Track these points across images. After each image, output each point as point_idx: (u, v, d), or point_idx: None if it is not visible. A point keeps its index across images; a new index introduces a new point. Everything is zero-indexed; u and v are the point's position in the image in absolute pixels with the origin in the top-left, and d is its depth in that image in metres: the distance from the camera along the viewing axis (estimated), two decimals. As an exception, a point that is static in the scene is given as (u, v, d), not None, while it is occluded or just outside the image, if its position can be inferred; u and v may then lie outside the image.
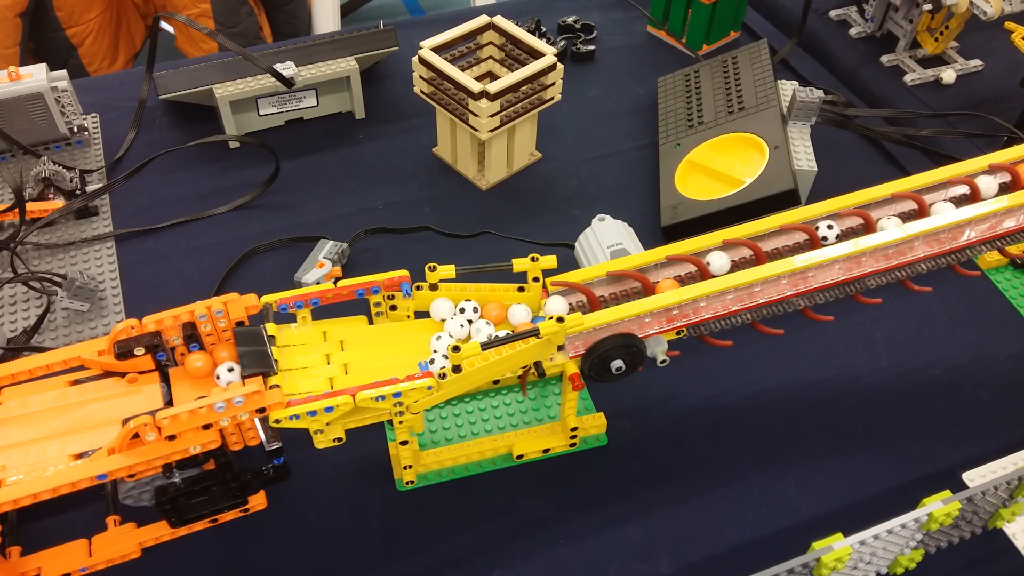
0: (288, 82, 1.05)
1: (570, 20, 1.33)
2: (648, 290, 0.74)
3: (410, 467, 0.76)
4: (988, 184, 0.82)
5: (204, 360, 0.67)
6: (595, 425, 0.82)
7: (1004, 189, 0.83)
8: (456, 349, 0.66)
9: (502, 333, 0.72)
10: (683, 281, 0.75)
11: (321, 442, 0.67)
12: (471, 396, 0.85)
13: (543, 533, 0.75)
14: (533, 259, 0.74)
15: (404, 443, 0.72)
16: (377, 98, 1.17)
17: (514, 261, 0.73)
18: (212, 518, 0.70)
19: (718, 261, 0.74)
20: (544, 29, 1.30)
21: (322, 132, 1.14)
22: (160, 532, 0.69)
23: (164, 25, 2.43)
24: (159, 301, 0.71)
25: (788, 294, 0.75)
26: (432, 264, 0.73)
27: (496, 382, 0.85)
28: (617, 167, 1.12)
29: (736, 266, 0.76)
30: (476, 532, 0.75)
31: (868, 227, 0.78)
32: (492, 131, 0.99)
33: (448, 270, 0.73)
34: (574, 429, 0.79)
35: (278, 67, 1.07)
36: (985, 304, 0.97)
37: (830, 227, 0.77)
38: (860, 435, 0.84)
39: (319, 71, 1.09)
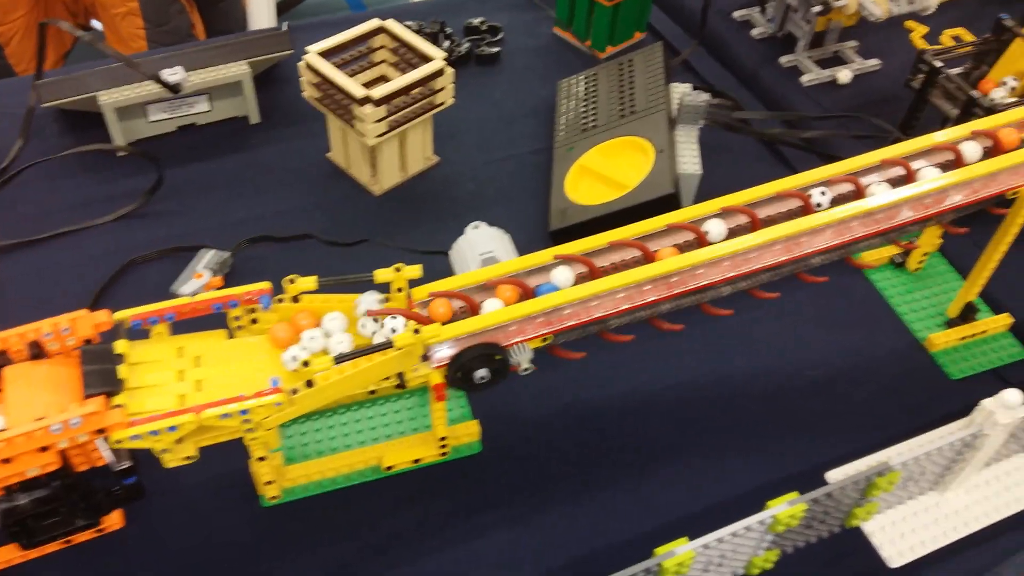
0: (174, 88, 1.04)
1: (476, 22, 1.33)
2: (527, 294, 0.74)
3: (272, 482, 0.76)
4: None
5: (48, 380, 0.66)
6: (468, 433, 0.82)
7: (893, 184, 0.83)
8: (306, 364, 0.66)
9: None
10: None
11: (170, 461, 0.66)
12: (346, 407, 0.85)
13: (408, 545, 0.75)
14: (397, 269, 0.73)
15: (262, 459, 0.72)
16: (274, 102, 1.16)
17: (376, 272, 0.73)
18: (66, 539, 0.69)
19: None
20: (450, 31, 1.30)
21: (216, 137, 1.13)
22: (11, 555, 0.68)
23: (95, 24, 2.38)
24: (42, 315, 0.69)
25: (652, 299, 0.76)
26: (292, 276, 0.72)
27: (401, 386, 0.85)
28: (515, 170, 1.12)
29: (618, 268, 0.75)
30: (339, 547, 0.75)
31: (754, 224, 0.78)
32: (380, 136, 0.99)
33: (309, 282, 0.73)
34: (443, 438, 0.79)
35: (166, 72, 1.05)
36: (864, 304, 0.98)
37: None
38: (734, 436, 0.85)
39: (210, 76, 1.08)
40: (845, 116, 1.17)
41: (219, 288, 0.93)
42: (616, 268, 0.75)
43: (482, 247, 0.83)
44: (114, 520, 0.70)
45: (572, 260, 0.75)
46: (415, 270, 0.74)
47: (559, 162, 1.08)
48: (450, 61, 1.23)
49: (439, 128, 1.13)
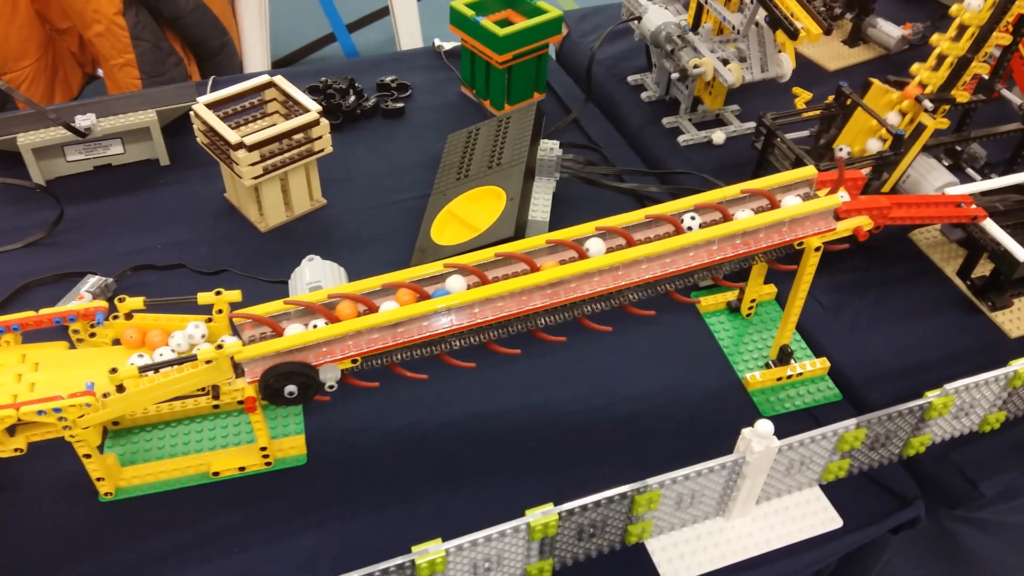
0: (81, 133, 1.16)
1: (388, 79, 1.45)
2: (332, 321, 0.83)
3: (103, 479, 0.84)
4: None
5: None
6: (294, 446, 0.90)
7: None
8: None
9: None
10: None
11: (1, 453, 0.76)
12: (189, 420, 0.93)
13: (221, 543, 0.83)
14: (218, 293, 0.83)
15: (88, 456, 0.80)
16: (185, 146, 1.27)
17: (199, 295, 0.83)
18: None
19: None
20: (360, 86, 1.41)
21: (127, 177, 1.24)
22: None
23: (100, 72, 2.55)
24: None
25: (464, 325, 0.84)
26: (122, 296, 0.82)
27: (216, 406, 0.94)
28: (396, 215, 1.22)
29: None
30: (158, 541, 0.83)
31: (581, 255, 0.85)
32: (256, 178, 1.09)
33: (136, 302, 0.82)
34: (264, 449, 0.87)
35: (79, 118, 1.17)
36: (696, 344, 1.06)
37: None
38: (538, 461, 0.92)
39: (120, 122, 1.20)
40: (681, 173, 1.26)
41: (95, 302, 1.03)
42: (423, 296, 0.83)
43: (310, 277, 0.92)
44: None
45: (400, 287, 0.83)
46: (234, 294, 0.83)
47: (432, 207, 1.18)
48: (355, 114, 1.35)
49: (333, 173, 1.24)
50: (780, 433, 0.80)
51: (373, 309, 0.81)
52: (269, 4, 2.60)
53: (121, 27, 2.27)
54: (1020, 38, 1.14)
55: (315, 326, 0.80)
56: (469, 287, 0.83)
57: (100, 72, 2.51)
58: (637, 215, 0.87)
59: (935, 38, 1.10)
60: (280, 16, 3.01)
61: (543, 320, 0.86)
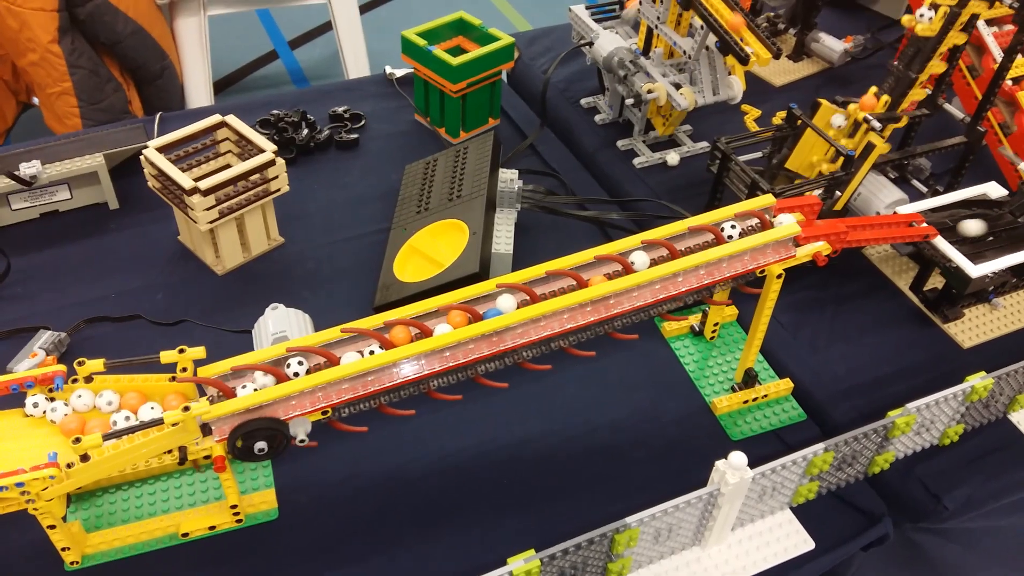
0: (26, 182, 1.12)
1: (340, 110, 1.43)
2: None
3: (69, 549, 0.81)
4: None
5: None
6: (264, 501, 0.89)
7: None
8: (77, 440, 0.73)
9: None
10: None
11: (-49, 530, 0.72)
12: (154, 478, 0.91)
13: (194, 606, 0.81)
14: (181, 351, 0.81)
15: (52, 527, 0.78)
16: (134, 188, 1.24)
17: (162, 354, 0.80)
18: None
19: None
20: (312, 119, 1.40)
21: (76, 223, 1.20)
22: None
23: (36, 101, 2.47)
24: None
25: (425, 372, 0.83)
26: (80, 359, 0.80)
27: (183, 461, 0.92)
28: (355, 250, 1.20)
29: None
30: (129, 608, 0.81)
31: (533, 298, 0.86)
32: (211, 223, 1.07)
33: (96, 364, 0.80)
34: (235, 506, 0.85)
35: (24, 166, 1.13)
36: (661, 369, 1.07)
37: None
38: (519, 498, 0.92)
39: (66, 168, 1.16)
40: (640, 200, 1.28)
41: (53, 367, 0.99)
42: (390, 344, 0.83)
43: (274, 327, 0.91)
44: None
45: (365, 335, 0.82)
46: (199, 351, 0.81)
47: (393, 242, 1.17)
48: (309, 147, 1.33)
49: (289, 210, 1.22)
50: (749, 455, 0.82)
51: (334, 362, 0.80)
52: (209, 24, 2.55)
53: (57, 55, 2.21)
54: (955, 65, 1.18)
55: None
56: (519, 305, 0.84)
57: (36, 100, 2.44)
58: (587, 255, 0.88)
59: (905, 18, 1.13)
60: (220, 36, 2.95)
61: (526, 353, 0.86)
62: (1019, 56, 1.25)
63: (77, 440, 0.72)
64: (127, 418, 0.79)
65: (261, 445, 0.80)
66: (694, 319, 1.11)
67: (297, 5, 2.65)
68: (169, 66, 2.47)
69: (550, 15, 1.49)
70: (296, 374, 0.79)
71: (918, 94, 1.14)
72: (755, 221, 0.93)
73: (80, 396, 0.78)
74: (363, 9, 2.80)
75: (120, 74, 2.40)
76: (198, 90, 2.64)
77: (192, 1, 2.48)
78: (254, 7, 2.74)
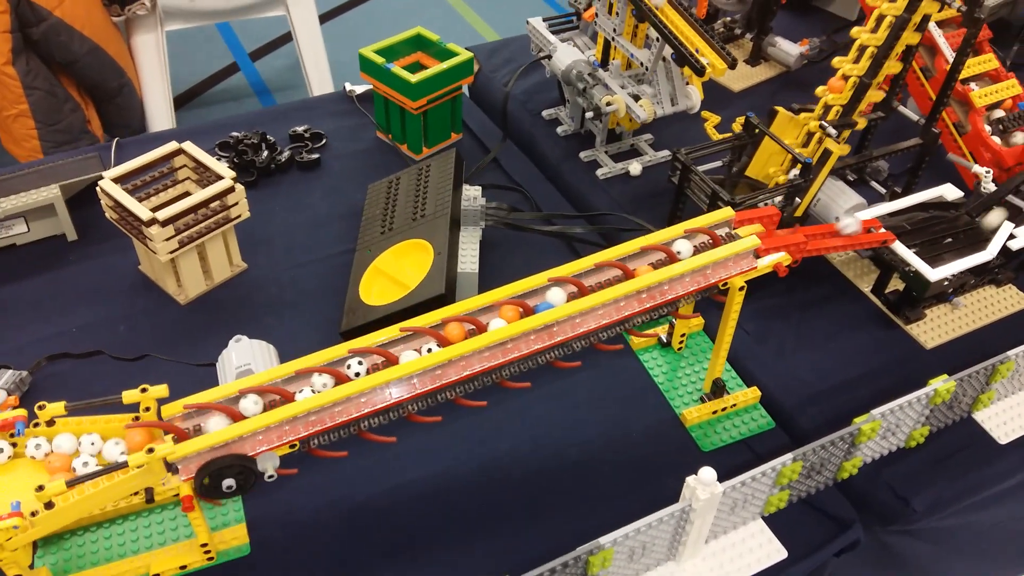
0: (-21, 218, 1.10)
1: (300, 129, 1.42)
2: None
3: (35, 596, 0.80)
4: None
5: None
6: (235, 537, 0.88)
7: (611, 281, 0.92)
8: (40, 488, 0.71)
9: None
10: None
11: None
12: (123, 518, 0.90)
13: (167, 648, 0.80)
14: (143, 390, 0.80)
15: (17, 576, 0.77)
16: (92, 218, 1.22)
17: (124, 394, 0.79)
18: None
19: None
20: (272, 139, 1.38)
21: (33, 256, 1.18)
22: None
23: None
24: None
25: (392, 401, 0.83)
26: (41, 403, 0.78)
27: (150, 500, 0.91)
28: (320, 273, 1.19)
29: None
30: (100, 654, 0.79)
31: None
32: (172, 253, 1.05)
33: (57, 407, 0.79)
34: (205, 544, 0.84)
35: (-25, 201, 1.11)
36: (631, 383, 1.07)
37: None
38: (493, 522, 0.92)
39: (21, 201, 1.14)
40: (608, 214, 1.28)
41: (14, 407, 0.97)
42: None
43: (238, 360, 0.90)
44: None
45: (321, 372, 0.81)
46: (161, 390, 0.80)
47: (358, 264, 1.16)
48: (270, 169, 1.32)
49: (251, 234, 1.21)
50: (719, 466, 0.83)
51: (288, 399, 0.79)
52: (167, 38, 2.51)
53: (11, 77, 2.17)
54: (909, 66, 1.20)
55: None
56: (569, 298, 0.86)
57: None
58: (539, 279, 0.88)
59: (836, 61, 1.14)
60: (180, 50, 2.92)
61: (508, 371, 0.86)
62: (971, 56, 1.28)
63: (40, 488, 0.71)
64: (85, 464, 0.77)
65: (229, 483, 0.79)
66: (661, 330, 1.12)
67: (256, 17, 2.62)
68: (128, 83, 2.44)
69: (516, 24, 1.48)
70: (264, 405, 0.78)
71: (875, 96, 1.15)
72: (720, 233, 0.93)
73: (39, 446, 0.77)
74: (324, 18, 2.78)
75: (78, 94, 2.36)
76: (158, 107, 2.60)
77: (149, 17, 2.45)
78: (212, 21, 2.71)
